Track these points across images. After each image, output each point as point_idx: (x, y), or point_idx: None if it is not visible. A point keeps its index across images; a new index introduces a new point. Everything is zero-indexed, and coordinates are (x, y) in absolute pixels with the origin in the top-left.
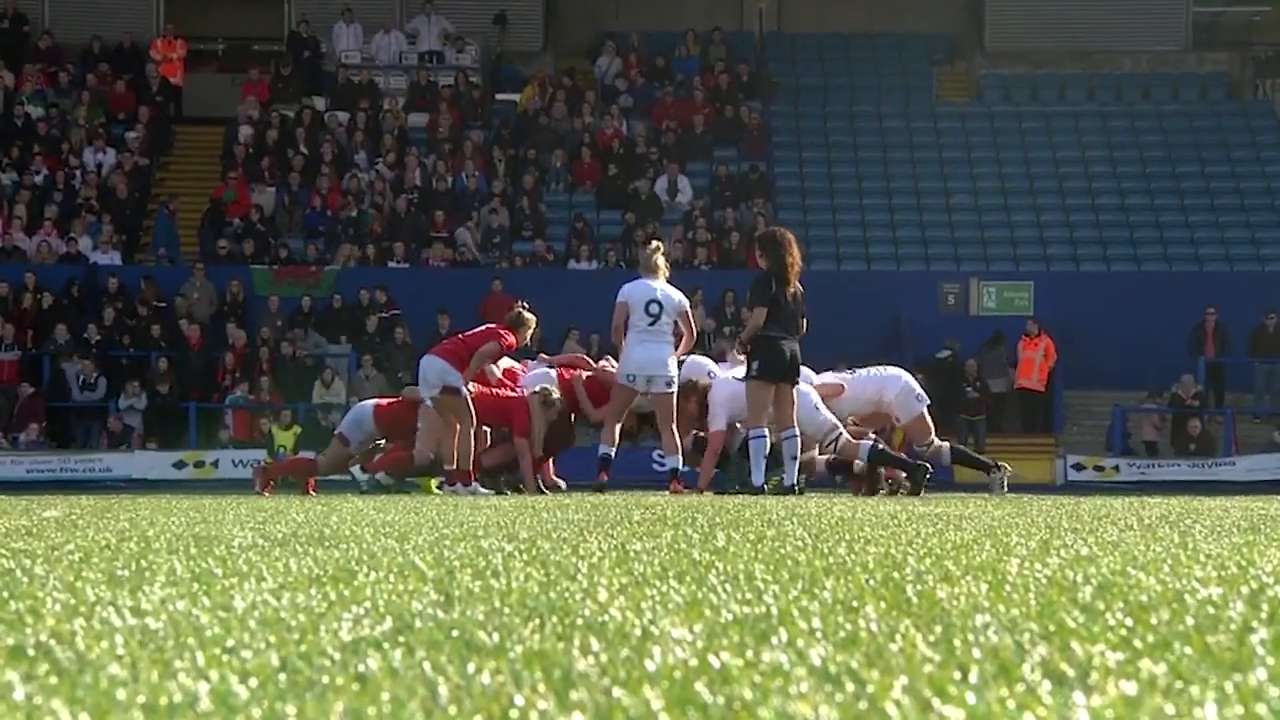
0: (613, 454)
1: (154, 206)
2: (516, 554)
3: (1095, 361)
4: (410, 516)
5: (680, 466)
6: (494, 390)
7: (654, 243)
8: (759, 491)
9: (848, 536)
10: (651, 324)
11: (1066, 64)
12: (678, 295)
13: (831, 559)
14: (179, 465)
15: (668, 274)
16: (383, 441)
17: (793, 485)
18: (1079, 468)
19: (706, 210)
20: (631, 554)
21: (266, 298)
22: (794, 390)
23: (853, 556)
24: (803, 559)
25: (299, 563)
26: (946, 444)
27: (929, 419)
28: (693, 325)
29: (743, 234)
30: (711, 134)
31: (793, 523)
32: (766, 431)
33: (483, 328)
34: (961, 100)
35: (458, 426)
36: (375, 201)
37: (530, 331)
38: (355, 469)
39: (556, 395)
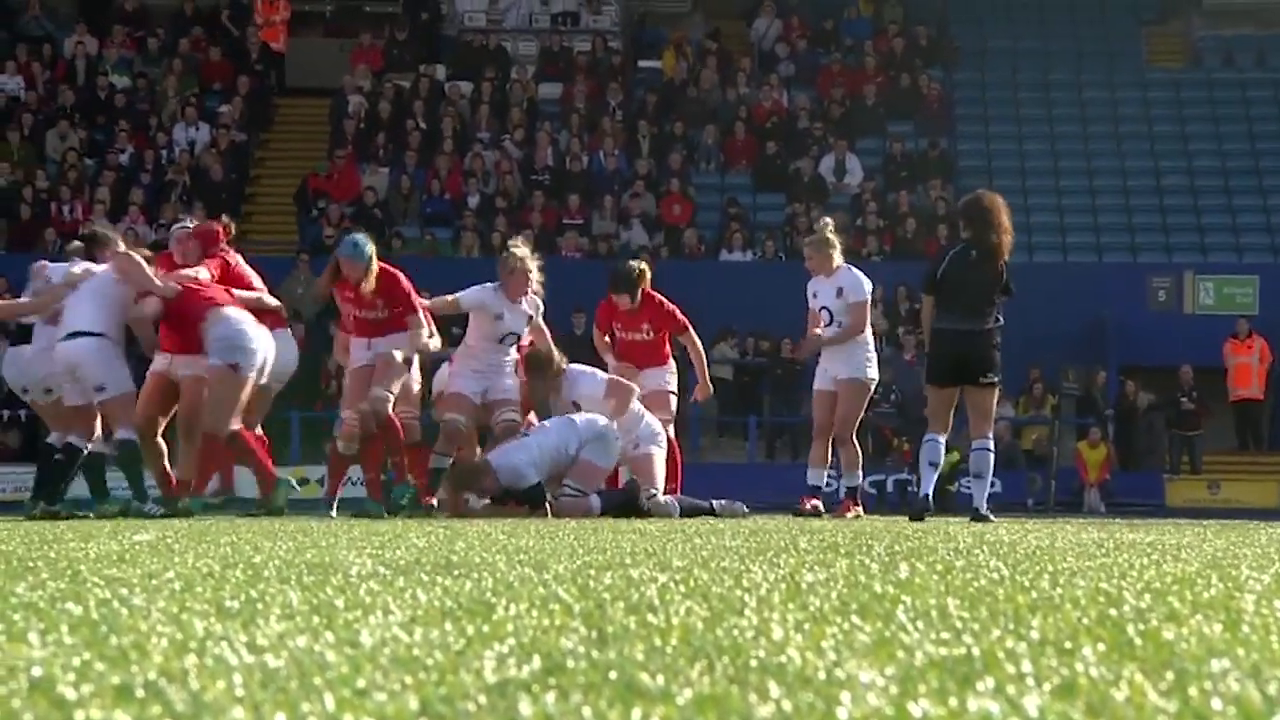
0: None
1: (252, 189)
2: (672, 585)
3: None
4: (546, 542)
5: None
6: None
7: None
8: (925, 506)
9: (1050, 568)
10: None
11: None
12: None
13: (1035, 593)
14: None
15: None
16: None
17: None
18: None
19: (878, 193)
20: (804, 586)
21: None
22: (983, 391)
23: (1059, 590)
24: (1001, 593)
25: (427, 594)
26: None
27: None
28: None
29: (919, 220)
30: (884, 106)
31: (983, 551)
32: (940, 437)
33: None
34: (1175, 66)
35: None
36: (501, 184)
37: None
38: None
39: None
